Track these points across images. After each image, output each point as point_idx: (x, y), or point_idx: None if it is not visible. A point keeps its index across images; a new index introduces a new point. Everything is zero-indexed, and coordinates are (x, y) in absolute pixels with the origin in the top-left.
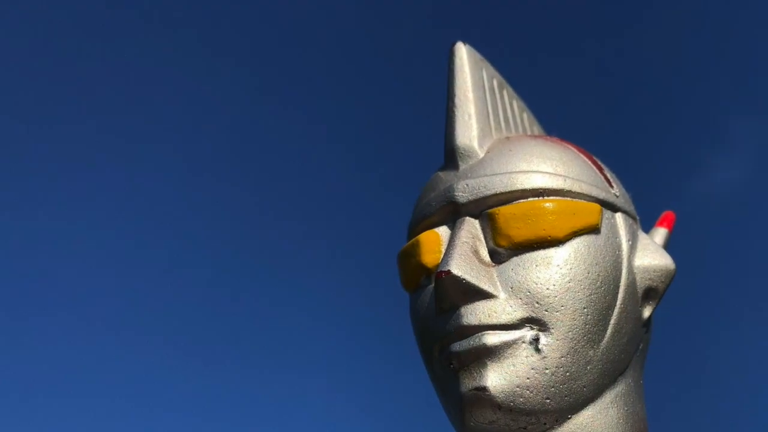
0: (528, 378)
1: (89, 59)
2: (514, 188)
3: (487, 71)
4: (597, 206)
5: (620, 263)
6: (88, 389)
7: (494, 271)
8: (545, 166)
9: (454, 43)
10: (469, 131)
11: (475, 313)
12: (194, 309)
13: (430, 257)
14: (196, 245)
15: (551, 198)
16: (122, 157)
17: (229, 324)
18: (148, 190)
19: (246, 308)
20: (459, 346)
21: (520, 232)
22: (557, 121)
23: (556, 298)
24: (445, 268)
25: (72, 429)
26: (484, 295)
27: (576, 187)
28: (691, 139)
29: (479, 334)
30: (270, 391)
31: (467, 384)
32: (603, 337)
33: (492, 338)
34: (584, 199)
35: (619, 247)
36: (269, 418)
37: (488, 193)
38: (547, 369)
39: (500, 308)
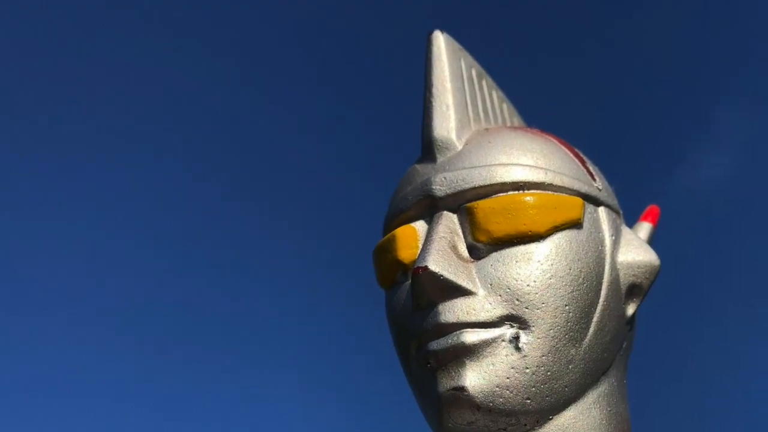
0: (508, 377)
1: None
2: (493, 181)
3: (466, 61)
4: (579, 200)
5: (603, 259)
6: (54, 389)
7: (473, 267)
8: (525, 159)
9: (431, 32)
10: (446, 122)
11: (453, 311)
12: (168, 307)
13: (406, 253)
14: (166, 240)
15: (532, 191)
16: (95, 152)
17: (203, 322)
18: (117, 183)
19: (220, 305)
20: (436, 344)
21: (499, 226)
22: (538, 112)
23: (537, 295)
24: (422, 264)
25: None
26: (463, 292)
27: (557, 181)
28: (676, 132)
29: (457, 332)
30: (243, 389)
31: (445, 384)
32: (585, 335)
33: (471, 336)
34: (566, 193)
35: (602, 242)
36: (244, 416)
37: (467, 186)
38: (527, 368)
39: (479, 305)
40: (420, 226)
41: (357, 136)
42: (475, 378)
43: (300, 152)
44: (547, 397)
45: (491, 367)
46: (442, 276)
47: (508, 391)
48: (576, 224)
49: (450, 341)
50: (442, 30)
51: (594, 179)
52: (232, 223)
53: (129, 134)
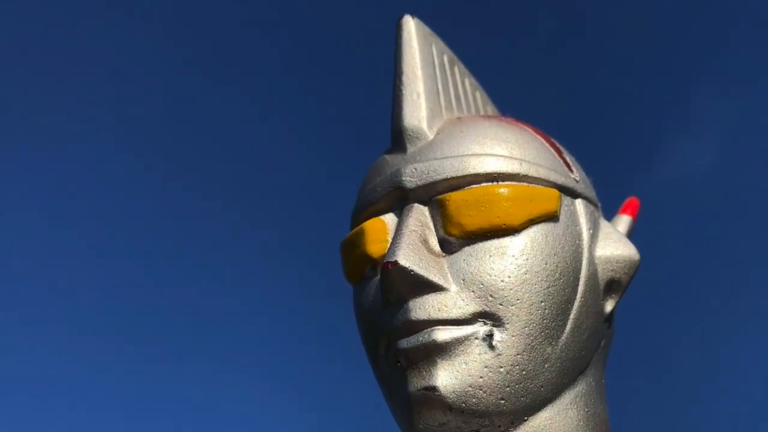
0: (481, 377)
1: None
2: (465, 172)
3: (437, 47)
4: (555, 192)
5: (580, 253)
6: None
7: (445, 261)
8: (500, 149)
9: (401, 17)
10: (417, 111)
11: (424, 307)
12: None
13: (375, 247)
14: (116, 233)
15: (506, 183)
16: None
17: (157, 319)
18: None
19: (178, 301)
20: (407, 342)
21: (472, 219)
22: (512, 100)
23: (512, 291)
24: (392, 259)
25: None
26: (434, 288)
27: (533, 172)
28: (655, 120)
29: (428, 329)
30: (203, 389)
31: (416, 383)
32: (562, 333)
33: (442, 334)
34: (542, 185)
35: (579, 236)
36: (202, 416)
37: (438, 177)
38: (501, 367)
39: (451, 302)
40: (389, 219)
41: (323, 126)
42: (446, 377)
43: (262, 142)
44: (522, 397)
45: (464, 366)
46: (412, 271)
47: (481, 391)
48: (552, 217)
49: (421, 339)
50: (413, 15)
51: (571, 170)
52: (187, 217)
53: (90, 127)
